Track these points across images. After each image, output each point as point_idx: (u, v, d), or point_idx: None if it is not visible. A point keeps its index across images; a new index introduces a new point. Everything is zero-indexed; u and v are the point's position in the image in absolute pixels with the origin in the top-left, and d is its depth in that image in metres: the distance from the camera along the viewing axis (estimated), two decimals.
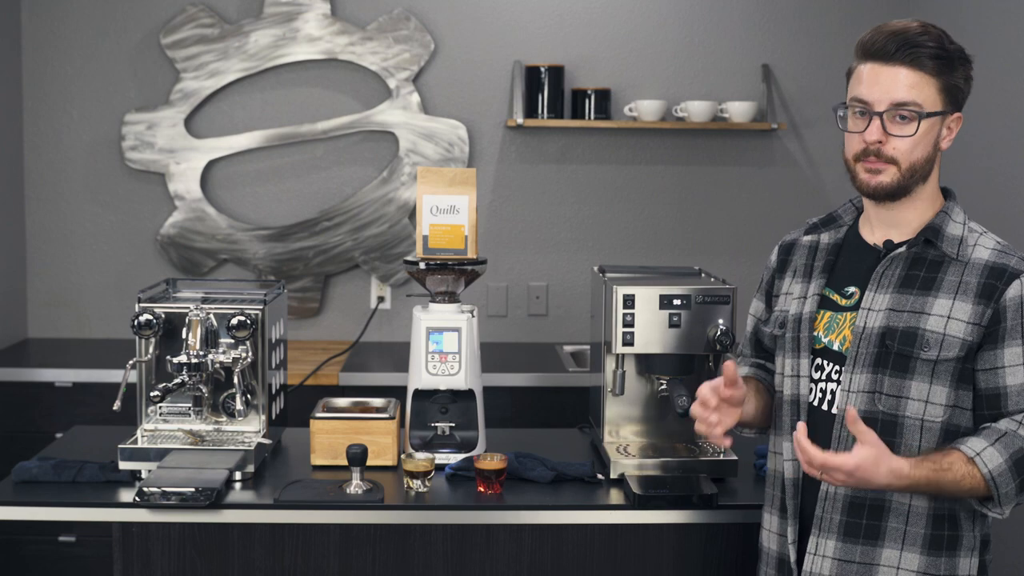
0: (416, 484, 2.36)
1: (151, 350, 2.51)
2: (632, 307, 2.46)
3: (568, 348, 4.07)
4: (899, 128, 1.87)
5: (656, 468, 2.43)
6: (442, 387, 2.58)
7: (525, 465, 2.44)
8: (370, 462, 2.43)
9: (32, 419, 3.63)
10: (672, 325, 2.45)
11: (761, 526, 2.10)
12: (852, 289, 1.96)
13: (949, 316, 1.85)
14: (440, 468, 2.48)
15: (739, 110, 4.01)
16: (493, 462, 2.37)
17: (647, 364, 2.51)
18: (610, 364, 2.52)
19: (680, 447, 2.54)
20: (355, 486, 2.34)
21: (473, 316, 2.60)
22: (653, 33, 4.16)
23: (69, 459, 2.45)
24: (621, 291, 2.46)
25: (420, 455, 2.39)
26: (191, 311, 2.49)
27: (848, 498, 1.91)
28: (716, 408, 1.97)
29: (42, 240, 4.15)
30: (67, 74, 4.10)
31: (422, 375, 2.57)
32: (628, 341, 2.46)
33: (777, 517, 2.05)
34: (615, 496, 2.38)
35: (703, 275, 2.67)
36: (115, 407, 2.45)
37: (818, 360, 1.99)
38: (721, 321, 2.44)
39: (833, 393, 1.95)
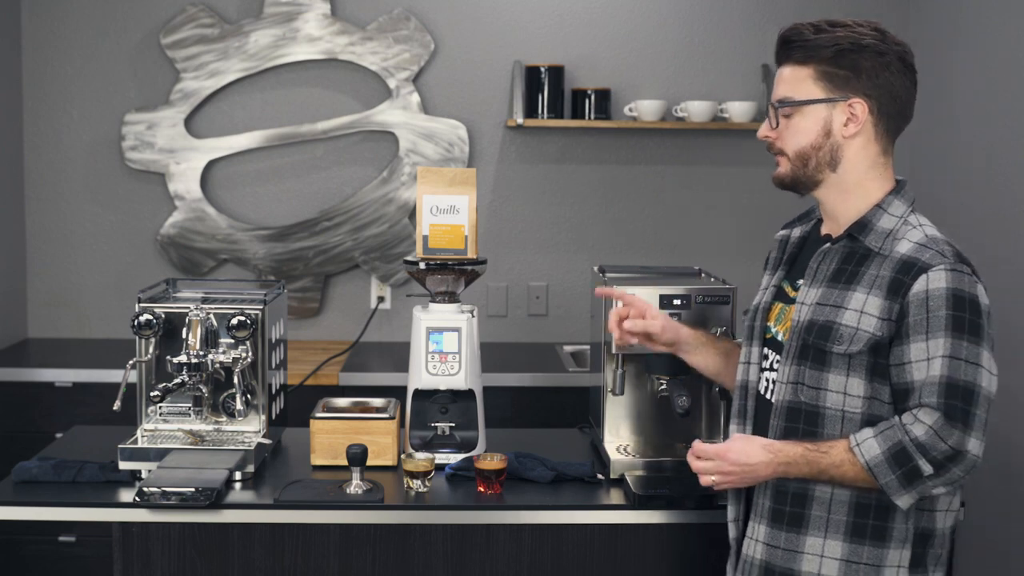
0: (416, 484, 2.36)
1: (151, 350, 2.51)
2: None
3: (568, 348, 4.07)
4: (783, 121, 1.97)
5: (656, 468, 2.43)
6: (442, 387, 2.58)
7: (525, 465, 2.44)
8: (370, 462, 2.43)
9: (32, 419, 3.63)
10: None
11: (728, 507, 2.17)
12: (801, 282, 2.03)
13: (862, 311, 1.89)
14: (440, 468, 2.48)
15: (739, 110, 4.01)
16: (493, 462, 2.37)
17: (647, 364, 2.51)
18: (610, 364, 2.52)
19: (680, 447, 2.53)
20: (355, 486, 2.34)
21: (473, 316, 2.60)
22: (653, 33, 4.16)
23: (69, 459, 2.45)
24: None
25: (420, 455, 2.39)
26: (191, 311, 2.49)
27: (775, 486, 1.97)
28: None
29: (42, 240, 4.15)
30: (67, 74, 4.10)
31: (422, 375, 2.57)
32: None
33: (729, 500, 2.13)
34: (615, 496, 2.38)
35: (703, 275, 2.67)
36: (115, 407, 2.45)
37: (766, 350, 2.07)
38: (721, 321, 2.44)
39: (773, 382, 2.02)
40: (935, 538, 1.94)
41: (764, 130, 2.00)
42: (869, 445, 1.85)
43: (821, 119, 1.94)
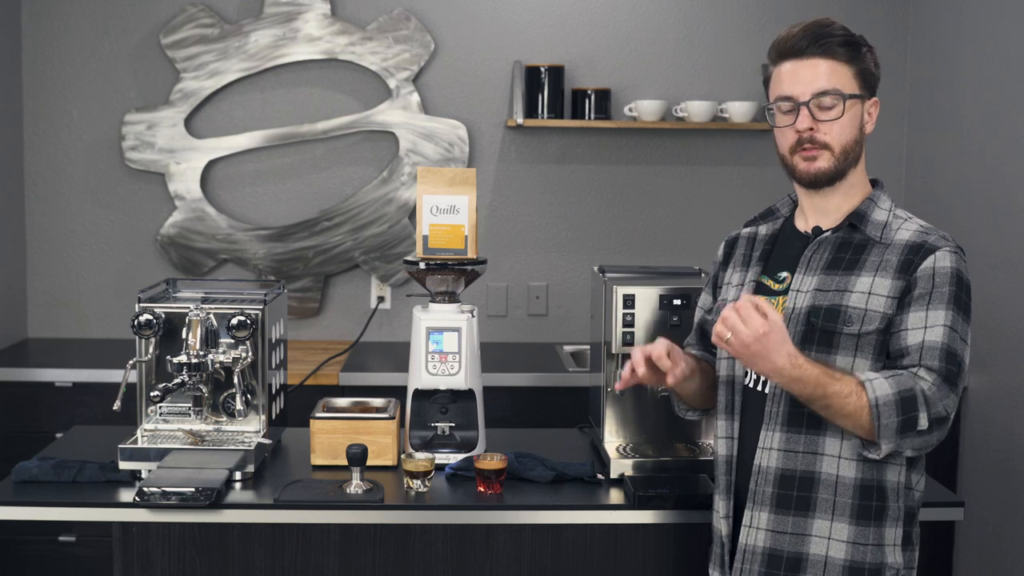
0: (416, 484, 2.36)
1: (151, 350, 2.51)
2: (632, 307, 2.46)
3: (568, 348, 4.07)
4: (825, 114, 1.99)
5: (656, 468, 2.44)
6: (442, 387, 2.58)
7: (525, 465, 2.44)
8: (370, 462, 2.43)
9: (32, 419, 3.63)
10: (672, 325, 2.45)
11: (713, 509, 2.15)
12: (784, 274, 2.06)
13: (870, 292, 1.95)
14: (440, 468, 2.48)
15: (739, 110, 4.01)
16: (493, 462, 2.38)
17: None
18: (610, 364, 2.52)
19: (680, 447, 2.54)
20: (355, 486, 2.34)
21: (473, 316, 2.60)
22: (653, 33, 4.16)
23: (69, 459, 2.45)
24: (621, 291, 2.46)
25: (420, 455, 2.39)
26: (191, 311, 2.49)
27: (779, 472, 1.99)
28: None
29: (42, 240, 4.15)
30: (67, 74, 4.10)
31: (422, 375, 2.58)
32: (628, 341, 2.46)
33: (719, 496, 2.12)
34: (615, 496, 2.38)
35: (703, 275, 2.67)
36: (115, 407, 2.45)
37: None
38: None
39: None
40: (916, 516, 2.02)
41: (807, 121, 1.99)
42: (880, 384, 1.87)
43: (858, 115, 2.01)
